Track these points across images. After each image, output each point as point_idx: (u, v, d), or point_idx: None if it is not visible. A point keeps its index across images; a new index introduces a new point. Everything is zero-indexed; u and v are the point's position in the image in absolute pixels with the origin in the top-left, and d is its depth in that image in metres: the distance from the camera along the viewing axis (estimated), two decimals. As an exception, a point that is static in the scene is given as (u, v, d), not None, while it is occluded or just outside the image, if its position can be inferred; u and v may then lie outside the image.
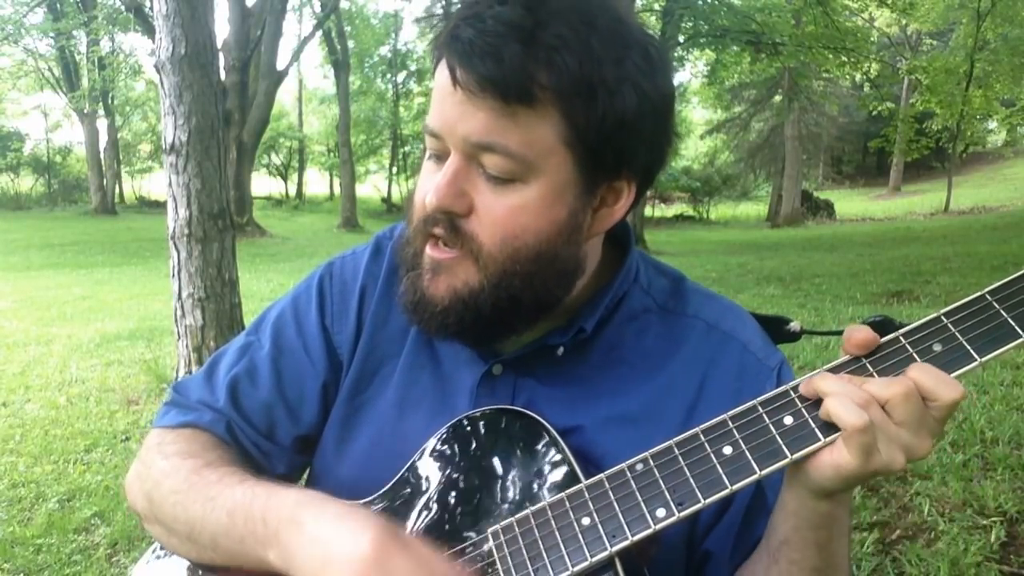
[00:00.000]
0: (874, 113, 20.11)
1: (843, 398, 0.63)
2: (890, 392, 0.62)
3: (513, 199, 0.71)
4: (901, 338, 0.66)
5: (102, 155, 25.30)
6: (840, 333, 0.69)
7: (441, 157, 0.74)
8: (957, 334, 0.65)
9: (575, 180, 0.73)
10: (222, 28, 16.35)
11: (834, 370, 0.67)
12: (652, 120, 0.73)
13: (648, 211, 23.92)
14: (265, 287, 9.36)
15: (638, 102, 0.70)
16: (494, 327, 0.77)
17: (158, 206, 26.49)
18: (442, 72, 0.70)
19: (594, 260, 0.84)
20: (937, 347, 0.65)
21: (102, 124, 25.92)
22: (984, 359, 0.64)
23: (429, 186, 0.73)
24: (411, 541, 0.67)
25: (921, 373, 0.63)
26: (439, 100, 0.71)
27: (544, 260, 0.74)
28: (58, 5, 22.47)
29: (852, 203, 27.30)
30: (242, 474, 0.79)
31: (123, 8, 14.92)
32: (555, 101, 0.68)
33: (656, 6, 15.83)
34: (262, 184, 34.27)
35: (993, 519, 2.61)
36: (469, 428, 0.81)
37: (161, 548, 0.90)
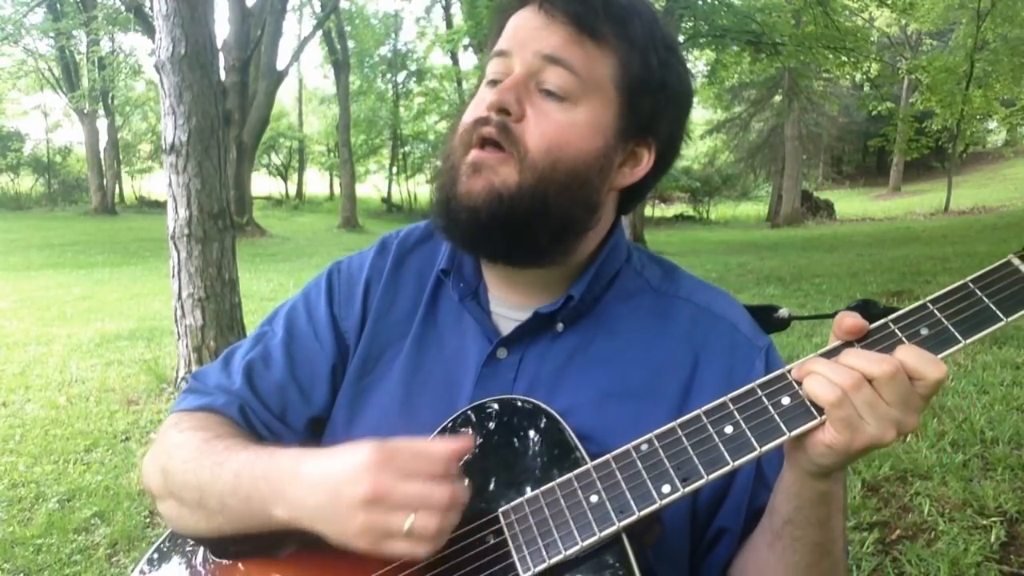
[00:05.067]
0: (874, 113, 20.10)
1: (818, 376, 0.67)
2: (879, 371, 0.65)
3: (563, 115, 0.80)
4: (891, 323, 0.70)
5: (102, 155, 25.29)
6: (828, 316, 0.72)
7: (499, 81, 0.83)
8: (943, 319, 0.68)
9: (613, 123, 0.82)
10: (222, 28, 16.36)
11: (827, 355, 0.70)
12: (679, 105, 0.87)
13: (648, 211, 23.92)
14: (265, 287, 9.37)
15: (678, 84, 0.85)
16: (520, 234, 0.81)
17: (158, 206, 26.49)
18: (524, 11, 0.83)
19: (597, 235, 0.89)
20: (924, 331, 0.68)
21: (102, 124, 25.93)
22: (968, 341, 0.68)
23: (487, 98, 0.81)
24: (403, 442, 0.71)
25: (907, 354, 0.66)
26: (514, 28, 0.83)
27: (577, 178, 0.81)
28: (58, 5, 22.47)
29: (852, 203, 27.30)
30: (247, 442, 0.84)
31: (123, 8, 14.89)
32: (617, 48, 0.81)
33: (656, 6, 15.79)
34: (262, 184, 34.27)
35: (993, 519, 2.61)
36: (474, 417, 0.83)
37: (156, 555, 0.91)
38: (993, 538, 2.51)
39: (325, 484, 0.69)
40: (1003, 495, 2.76)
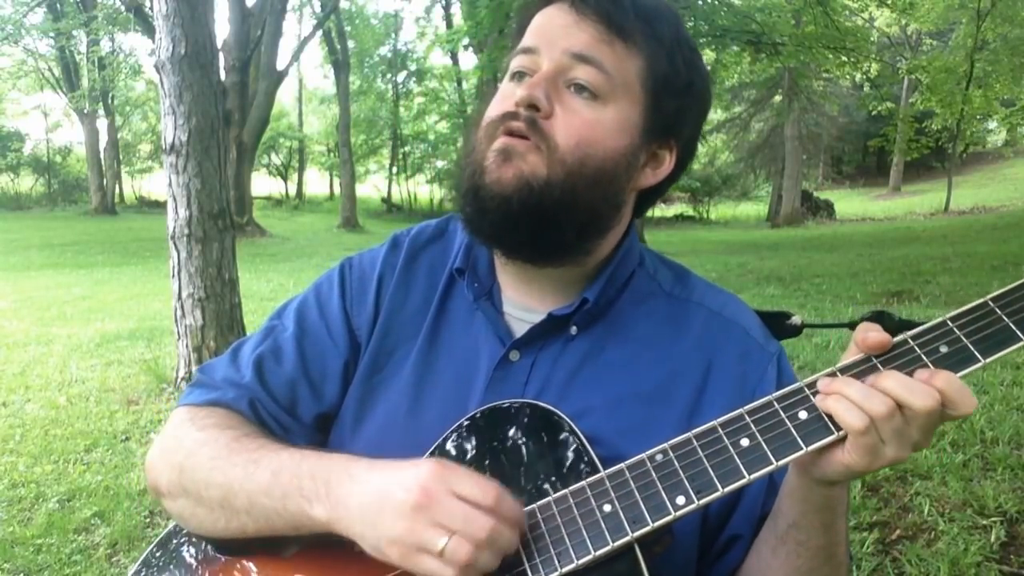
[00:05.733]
0: (874, 113, 20.08)
1: (845, 401, 0.65)
2: (921, 403, 0.64)
3: (592, 114, 0.80)
4: (909, 340, 0.69)
5: (102, 155, 25.27)
6: (840, 326, 0.71)
7: (526, 75, 0.83)
8: (962, 337, 0.68)
9: (639, 123, 0.83)
10: (222, 28, 16.36)
11: (846, 370, 0.69)
12: (700, 108, 0.88)
13: (648, 211, 23.84)
14: (265, 287, 9.36)
15: (703, 86, 0.86)
16: (547, 226, 0.80)
17: (158, 206, 26.47)
18: (551, 8, 0.83)
19: (615, 234, 0.89)
20: (943, 348, 0.68)
21: (102, 124, 25.90)
22: (987, 360, 0.67)
23: (514, 92, 0.80)
24: (464, 468, 0.70)
25: (946, 384, 0.65)
26: (542, 25, 0.83)
27: (605, 175, 0.81)
28: (58, 5, 22.46)
29: (852, 203, 27.29)
30: (283, 443, 0.83)
31: (123, 8, 14.90)
32: (645, 48, 0.81)
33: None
34: (262, 184, 34.24)
35: (993, 519, 2.61)
36: (485, 422, 0.82)
37: (153, 556, 0.90)
38: (993, 538, 2.51)
39: (377, 486, 0.69)
40: (1003, 495, 2.76)
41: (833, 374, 0.69)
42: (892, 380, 0.65)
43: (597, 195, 0.81)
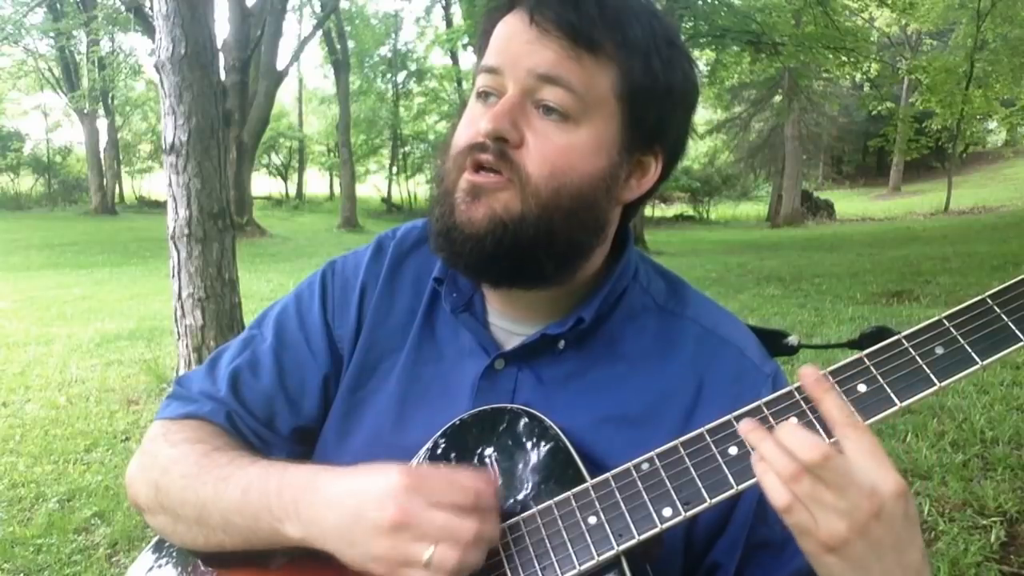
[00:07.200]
0: (874, 113, 20.11)
1: (770, 475, 0.62)
2: (809, 456, 0.60)
3: (564, 138, 0.75)
4: (904, 341, 0.66)
5: (102, 155, 25.28)
6: (840, 346, 0.68)
7: (491, 95, 0.77)
8: (959, 337, 0.65)
9: (617, 138, 0.77)
10: (222, 28, 16.36)
11: (836, 372, 0.67)
12: (685, 107, 0.81)
13: (648, 211, 23.87)
14: (265, 287, 9.37)
15: (683, 83, 0.79)
16: (524, 261, 0.77)
17: (158, 206, 26.47)
18: (512, 17, 0.76)
19: (603, 251, 0.85)
20: (939, 350, 0.65)
21: (102, 124, 25.91)
22: (986, 362, 0.64)
23: (480, 118, 0.76)
24: (432, 469, 0.69)
25: (786, 434, 0.62)
26: (504, 40, 0.76)
27: (584, 202, 0.76)
28: (58, 5, 22.46)
29: (852, 203, 27.30)
30: (253, 456, 0.81)
31: (123, 8, 14.91)
32: (616, 56, 0.74)
33: (656, 6, 15.78)
34: (262, 184, 34.26)
35: (993, 519, 2.61)
36: (472, 427, 0.80)
37: (152, 556, 0.90)
38: (993, 538, 2.51)
39: (347, 504, 0.67)
40: (1003, 495, 2.76)
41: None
42: (794, 439, 0.62)
43: (576, 224, 0.77)
